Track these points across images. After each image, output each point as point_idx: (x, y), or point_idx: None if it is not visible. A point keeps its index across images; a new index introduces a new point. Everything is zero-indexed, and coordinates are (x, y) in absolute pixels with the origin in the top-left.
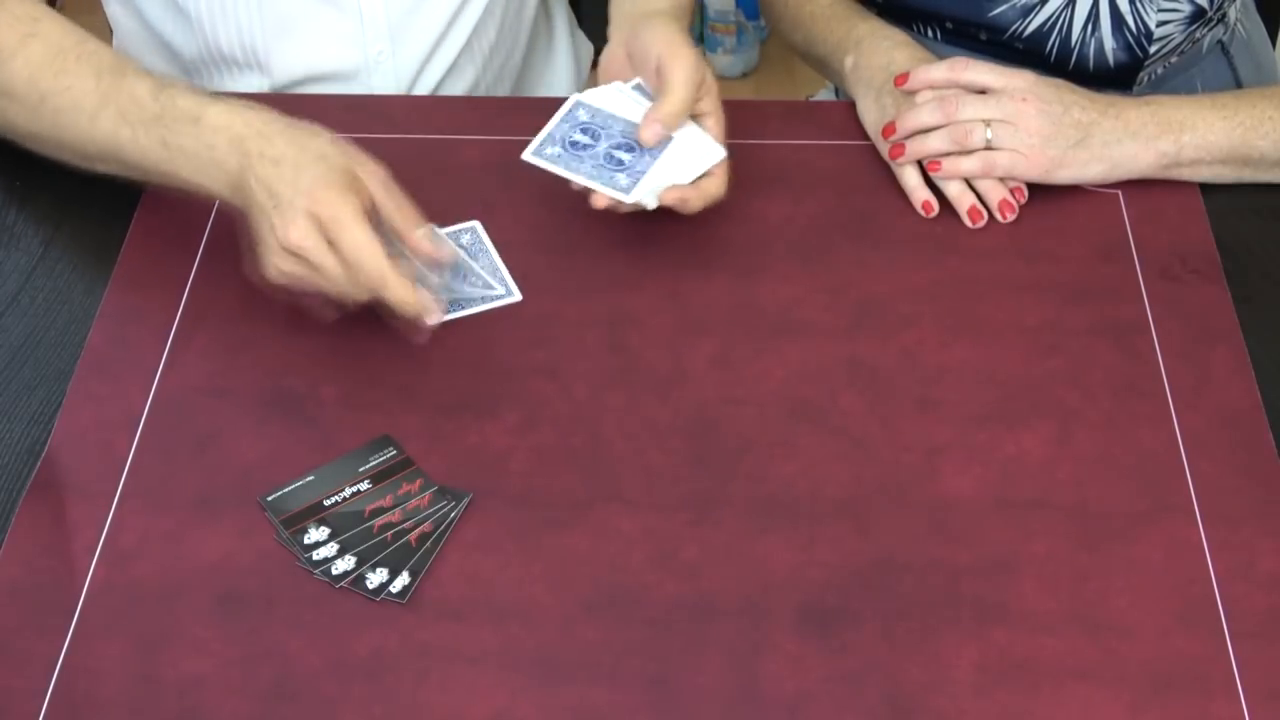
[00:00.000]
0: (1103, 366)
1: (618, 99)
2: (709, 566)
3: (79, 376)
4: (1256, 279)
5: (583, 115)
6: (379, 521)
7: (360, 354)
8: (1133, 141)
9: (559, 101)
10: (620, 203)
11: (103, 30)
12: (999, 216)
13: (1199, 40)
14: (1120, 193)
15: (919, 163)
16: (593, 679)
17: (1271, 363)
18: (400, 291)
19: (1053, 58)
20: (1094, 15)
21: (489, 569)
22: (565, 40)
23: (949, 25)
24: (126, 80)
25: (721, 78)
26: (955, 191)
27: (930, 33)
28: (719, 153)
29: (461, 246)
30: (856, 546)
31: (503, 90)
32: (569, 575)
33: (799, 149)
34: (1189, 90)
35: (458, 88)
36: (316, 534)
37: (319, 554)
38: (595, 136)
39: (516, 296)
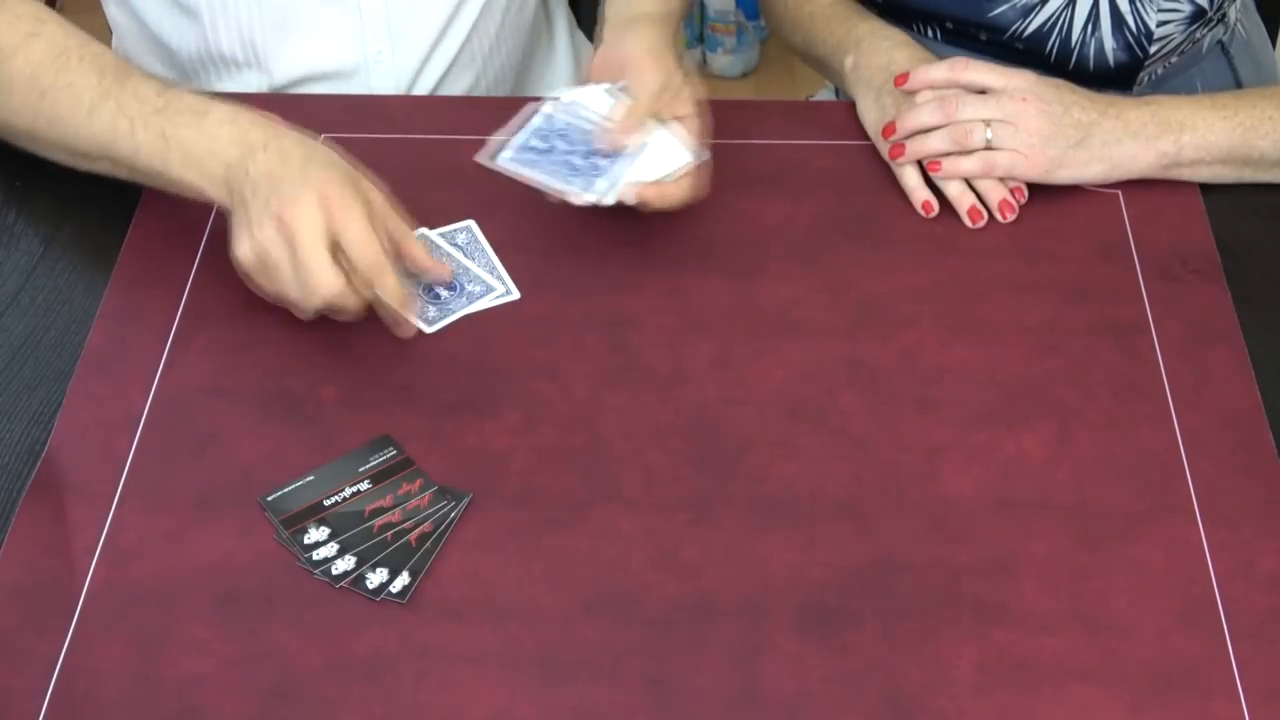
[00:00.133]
0: (1103, 366)
1: (596, 100)
2: (709, 566)
3: (79, 376)
4: (1256, 279)
5: (541, 121)
6: (379, 521)
7: (360, 354)
8: (1133, 141)
9: None
10: (580, 197)
11: (102, 32)
12: (999, 216)
13: (1199, 40)
14: (1120, 193)
15: (919, 163)
16: (593, 679)
17: (1271, 363)
18: (395, 286)
19: (1053, 58)
20: (1094, 15)
21: (489, 569)
22: (565, 40)
23: (949, 25)
24: (131, 79)
25: (721, 78)
26: (955, 191)
27: (930, 33)
28: (686, 157)
29: (457, 246)
30: (856, 546)
31: (503, 90)
32: (569, 575)
33: (799, 149)
34: (1189, 90)
35: (457, 88)
36: (316, 534)
37: (319, 554)
38: (561, 140)
39: (515, 295)
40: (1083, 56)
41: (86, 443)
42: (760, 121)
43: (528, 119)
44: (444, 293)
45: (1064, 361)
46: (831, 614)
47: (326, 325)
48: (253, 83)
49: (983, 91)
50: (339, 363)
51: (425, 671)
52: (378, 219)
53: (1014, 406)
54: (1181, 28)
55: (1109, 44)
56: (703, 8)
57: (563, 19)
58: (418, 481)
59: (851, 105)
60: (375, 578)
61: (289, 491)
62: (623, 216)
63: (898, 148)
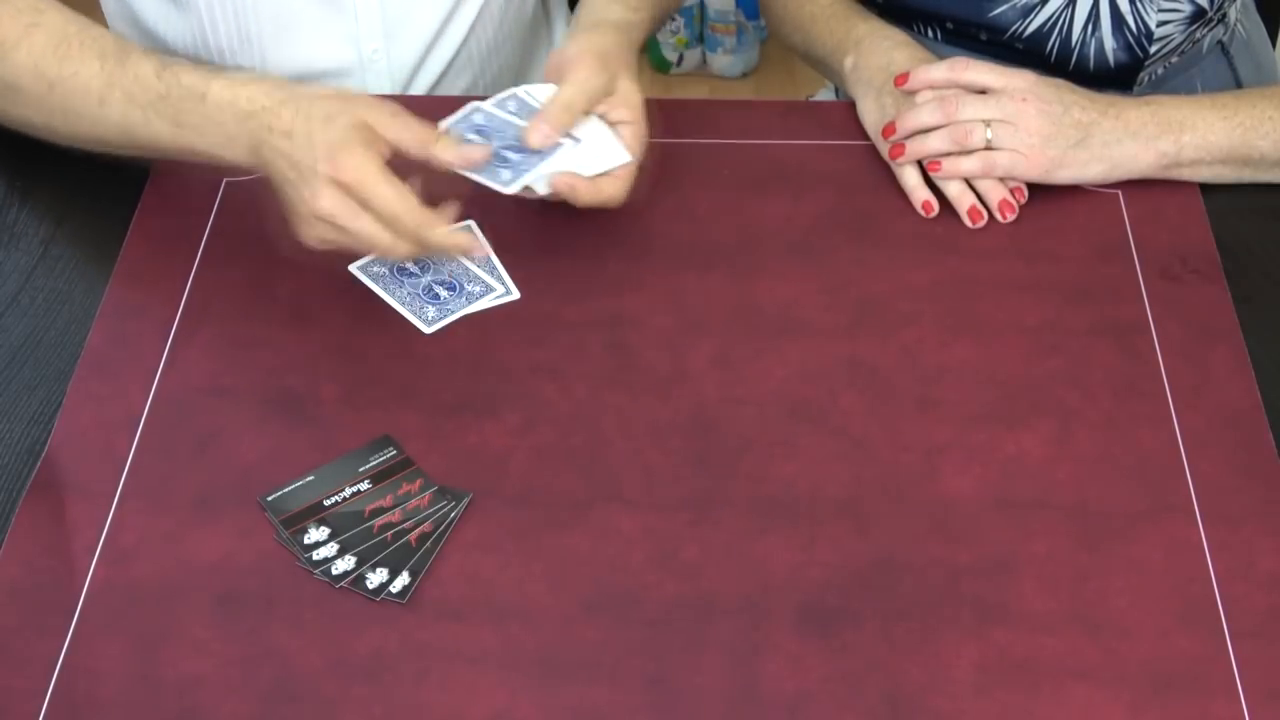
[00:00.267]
0: (1103, 366)
1: (539, 97)
2: (709, 566)
3: (79, 376)
4: (1256, 279)
5: (480, 118)
6: (379, 521)
7: (360, 354)
8: (1133, 141)
9: None
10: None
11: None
12: (999, 216)
13: (1199, 40)
14: (1120, 193)
15: (919, 163)
16: (593, 679)
17: (1271, 363)
18: (444, 236)
19: (1053, 58)
20: (1094, 15)
21: (489, 569)
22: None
23: (949, 25)
24: (130, 61)
25: (721, 78)
26: (955, 191)
27: (930, 33)
28: (623, 156)
29: None
30: (856, 546)
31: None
32: (569, 575)
33: (799, 149)
34: (1189, 90)
35: (456, 88)
36: (316, 534)
37: (319, 554)
38: (496, 136)
39: (515, 295)
40: (1083, 56)
41: (86, 443)
42: (760, 121)
43: (466, 115)
44: (444, 293)
45: (1064, 361)
46: (831, 614)
47: (326, 325)
48: None
49: (983, 91)
50: (339, 363)
51: (425, 671)
52: (395, 136)
53: (1014, 406)
54: (1181, 28)
55: (1109, 44)
56: (703, 8)
57: (562, 20)
58: (418, 481)
59: (851, 105)
60: (375, 578)
61: (289, 491)
62: (623, 216)
63: (898, 148)
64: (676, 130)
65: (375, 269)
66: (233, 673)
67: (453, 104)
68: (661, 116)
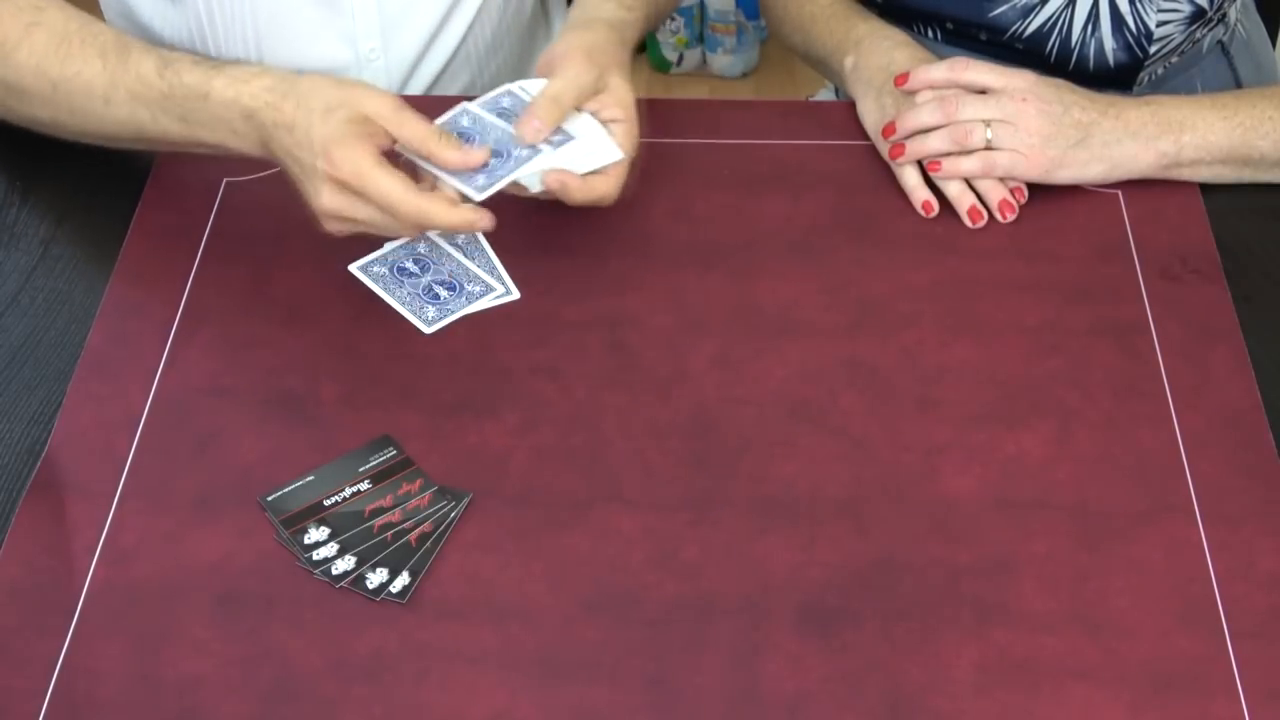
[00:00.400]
0: (1103, 366)
1: (528, 94)
2: (709, 566)
3: (79, 376)
4: (1256, 279)
5: (465, 121)
6: (379, 521)
7: (360, 354)
8: (1133, 141)
9: None
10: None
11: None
12: (999, 216)
13: (1199, 40)
14: (1120, 193)
15: (919, 163)
16: (593, 679)
17: (1271, 363)
18: (445, 218)
19: (1053, 58)
20: (1094, 16)
21: (489, 569)
22: None
23: (949, 26)
24: (131, 60)
25: (721, 78)
26: (955, 191)
27: (930, 33)
28: (615, 153)
29: (457, 246)
30: (856, 546)
31: None
32: (569, 575)
33: (799, 149)
34: (1189, 90)
35: (454, 88)
36: (316, 534)
37: (319, 554)
38: (483, 135)
39: (515, 295)
40: (1083, 57)
41: (86, 443)
42: (760, 121)
43: (454, 117)
44: (444, 293)
45: (1064, 361)
46: (831, 614)
47: (326, 325)
48: None
49: (983, 91)
50: (339, 363)
51: (425, 671)
52: (395, 129)
53: (1014, 406)
54: (1181, 28)
55: (1109, 44)
56: (703, 8)
57: (560, 19)
58: (418, 481)
59: (851, 105)
60: (375, 578)
61: (289, 491)
62: (623, 216)
63: (898, 148)
64: (676, 130)
65: (375, 269)
66: (233, 673)
67: (450, 103)
68: (661, 116)
